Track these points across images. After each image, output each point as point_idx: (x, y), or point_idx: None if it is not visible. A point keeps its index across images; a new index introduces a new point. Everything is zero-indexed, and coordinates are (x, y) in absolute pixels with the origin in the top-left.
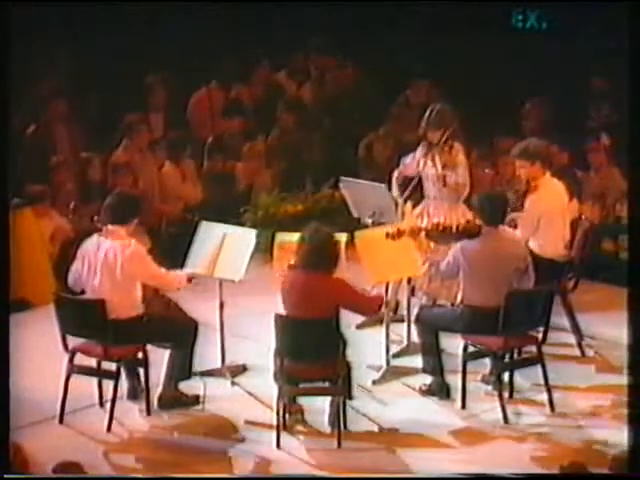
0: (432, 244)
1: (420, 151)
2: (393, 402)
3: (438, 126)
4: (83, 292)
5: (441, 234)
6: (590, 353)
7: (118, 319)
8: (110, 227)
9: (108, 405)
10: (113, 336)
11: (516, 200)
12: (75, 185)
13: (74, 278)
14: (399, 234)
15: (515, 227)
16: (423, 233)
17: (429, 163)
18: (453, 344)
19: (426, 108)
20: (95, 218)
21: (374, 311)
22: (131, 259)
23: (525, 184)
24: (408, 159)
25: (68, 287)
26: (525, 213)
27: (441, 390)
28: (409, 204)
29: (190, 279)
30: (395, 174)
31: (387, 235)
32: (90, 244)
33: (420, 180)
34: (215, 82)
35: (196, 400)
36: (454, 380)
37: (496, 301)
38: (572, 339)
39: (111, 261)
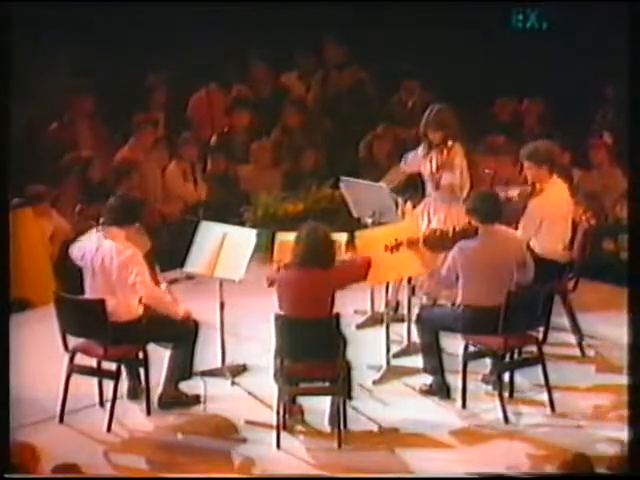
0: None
1: (422, 150)
2: (393, 402)
3: (437, 127)
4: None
5: (439, 240)
6: (590, 353)
7: (117, 322)
8: (109, 228)
9: (108, 405)
10: (113, 336)
11: (520, 201)
12: (76, 185)
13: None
14: (397, 246)
15: (516, 227)
16: (421, 242)
17: (427, 163)
18: (453, 344)
19: (426, 108)
20: (100, 220)
21: (367, 275)
22: (125, 265)
23: (531, 186)
24: (410, 155)
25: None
26: (527, 215)
27: (441, 390)
28: (409, 204)
29: (189, 317)
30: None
31: (386, 248)
32: (89, 242)
33: (421, 177)
34: (215, 82)
35: (196, 400)
36: (454, 380)
37: (496, 300)
38: (572, 339)
39: (107, 265)
